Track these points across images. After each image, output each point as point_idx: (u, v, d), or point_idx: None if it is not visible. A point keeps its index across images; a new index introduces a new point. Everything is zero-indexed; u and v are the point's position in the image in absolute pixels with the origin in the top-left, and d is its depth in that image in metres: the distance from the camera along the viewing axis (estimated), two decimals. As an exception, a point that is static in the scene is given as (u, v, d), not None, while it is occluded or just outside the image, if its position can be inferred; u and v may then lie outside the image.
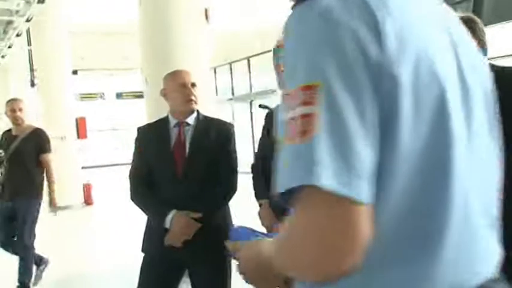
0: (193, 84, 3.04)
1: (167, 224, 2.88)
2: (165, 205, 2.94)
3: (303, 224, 0.80)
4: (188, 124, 3.07)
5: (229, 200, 3.08)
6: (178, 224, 2.87)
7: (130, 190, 3.10)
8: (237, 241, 1.40)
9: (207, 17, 5.59)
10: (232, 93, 18.64)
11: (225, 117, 7.76)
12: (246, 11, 17.00)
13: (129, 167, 3.16)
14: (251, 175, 3.34)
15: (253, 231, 1.47)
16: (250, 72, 15.08)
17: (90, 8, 18.36)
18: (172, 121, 3.09)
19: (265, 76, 15.35)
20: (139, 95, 19.08)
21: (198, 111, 3.13)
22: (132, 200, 3.10)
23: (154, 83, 5.26)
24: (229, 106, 18.86)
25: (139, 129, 3.25)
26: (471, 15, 2.36)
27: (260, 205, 3.06)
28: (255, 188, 3.22)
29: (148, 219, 3.12)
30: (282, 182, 0.80)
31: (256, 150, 3.32)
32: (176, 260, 2.96)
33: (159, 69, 5.24)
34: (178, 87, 3.02)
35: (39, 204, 5.46)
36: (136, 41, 5.90)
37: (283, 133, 0.83)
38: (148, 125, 3.36)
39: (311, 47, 0.82)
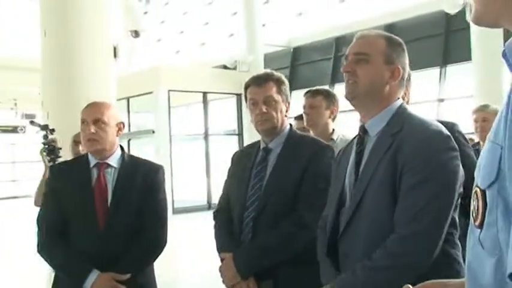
0: (97, 121, 2.61)
1: None
2: (85, 263, 2.50)
3: None
4: (110, 166, 2.68)
5: (156, 257, 2.71)
6: None
7: (39, 240, 2.63)
8: None
9: (115, 55, 5.48)
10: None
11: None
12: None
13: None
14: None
15: None
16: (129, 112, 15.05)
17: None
18: (92, 161, 2.68)
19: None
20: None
21: (122, 149, 2.76)
22: (40, 252, 2.61)
23: (57, 118, 5.06)
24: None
25: (53, 167, 2.87)
26: None
27: (222, 260, 2.56)
28: (216, 239, 2.69)
29: (58, 277, 2.66)
30: None
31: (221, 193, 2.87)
32: None
33: (63, 105, 5.03)
34: (81, 124, 2.65)
35: None
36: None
37: None
38: (65, 163, 2.92)
39: None
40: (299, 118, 3.84)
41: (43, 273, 3.48)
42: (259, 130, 2.59)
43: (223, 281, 2.54)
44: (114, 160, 2.70)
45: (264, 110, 2.52)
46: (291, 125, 2.68)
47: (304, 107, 3.44)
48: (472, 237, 0.93)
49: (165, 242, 2.72)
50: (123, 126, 2.77)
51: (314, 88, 3.59)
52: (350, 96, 1.93)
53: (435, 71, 12.15)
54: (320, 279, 2.06)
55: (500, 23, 0.90)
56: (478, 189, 0.88)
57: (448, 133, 1.84)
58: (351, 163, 1.98)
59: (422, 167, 1.74)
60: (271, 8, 17.45)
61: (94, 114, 2.63)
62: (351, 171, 1.96)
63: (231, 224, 2.61)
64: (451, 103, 11.94)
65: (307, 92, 3.53)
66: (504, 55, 0.91)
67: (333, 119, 3.46)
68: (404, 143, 1.80)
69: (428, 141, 1.80)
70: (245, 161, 2.67)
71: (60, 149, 4.01)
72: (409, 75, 2.57)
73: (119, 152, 2.74)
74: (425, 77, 11.66)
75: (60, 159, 3.89)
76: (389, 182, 1.78)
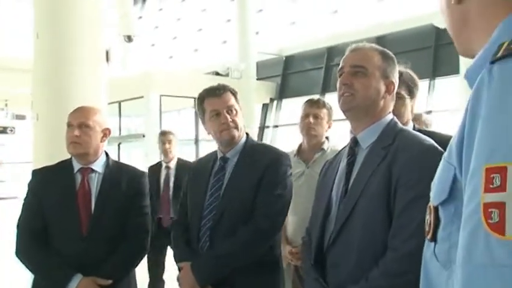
0: (82, 125, 2.59)
1: None
2: (67, 268, 2.46)
3: None
4: (94, 171, 2.66)
5: (139, 262, 2.71)
6: None
7: (18, 244, 2.57)
8: None
9: (107, 59, 5.43)
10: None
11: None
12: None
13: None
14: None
15: None
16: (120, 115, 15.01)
17: None
18: (76, 166, 2.66)
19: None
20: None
21: (107, 155, 2.74)
22: (19, 256, 2.55)
23: (47, 120, 4.99)
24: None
25: (35, 172, 2.77)
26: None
27: (180, 269, 2.55)
28: (174, 249, 2.71)
29: (36, 281, 2.58)
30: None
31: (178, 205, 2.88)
32: None
33: (53, 107, 4.97)
34: (67, 127, 2.63)
35: None
36: None
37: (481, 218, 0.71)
38: (47, 168, 2.79)
39: None
40: None
41: (24, 276, 3.41)
42: (224, 140, 2.57)
43: None
44: (98, 165, 2.68)
45: (230, 118, 2.52)
46: (247, 134, 2.68)
47: (306, 116, 3.41)
48: (428, 249, 0.97)
49: (148, 247, 2.70)
50: (109, 132, 2.75)
51: (317, 98, 3.59)
52: (346, 108, 1.92)
53: (424, 83, 12.22)
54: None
55: (477, 51, 0.91)
56: (431, 205, 0.92)
57: (441, 149, 1.81)
58: (341, 174, 1.96)
59: (417, 182, 1.71)
60: (265, 16, 17.50)
61: (79, 118, 2.62)
62: (340, 182, 1.94)
63: (188, 234, 2.60)
64: (439, 115, 12.00)
65: (311, 101, 3.51)
66: (466, 77, 0.94)
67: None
68: (399, 155, 1.79)
69: (423, 156, 1.78)
70: (203, 171, 2.66)
71: None
72: (417, 86, 2.57)
73: (103, 157, 2.72)
74: (414, 89, 11.70)
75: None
76: (383, 193, 1.76)
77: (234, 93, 2.61)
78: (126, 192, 2.66)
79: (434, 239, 0.90)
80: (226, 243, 2.41)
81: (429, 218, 0.92)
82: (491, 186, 0.70)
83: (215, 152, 2.69)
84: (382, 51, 1.97)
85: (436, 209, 0.90)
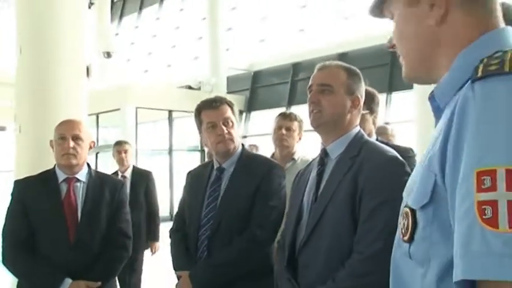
0: (75, 137, 2.58)
1: None
2: (57, 272, 2.41)
3: None
4: (79, 180, 2.62)
5: (123, 265, 2.67)
6: None
7: (4, 251, 2.51)
8: None
9: (88, 73, 5.38)
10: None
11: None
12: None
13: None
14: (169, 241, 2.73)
15: None
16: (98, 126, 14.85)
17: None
18: (61, 175, 2.62)
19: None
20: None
21: (89, 165, 2.72)
22: (7, 264, 2.49)
23: (29, 131, 4.91)
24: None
25: (17, 182, 2.70)
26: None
27: (179, 277, 2.48)
28: (173, 257, 2.58)
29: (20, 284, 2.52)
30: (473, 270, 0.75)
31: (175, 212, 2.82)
32: None
33: (35, 120, 4.88)
34: (58, 139, 2.60)
35: None
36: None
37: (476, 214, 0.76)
38: (31, 178, 2.74)
39: None
40: None
41: (7, 283, 3.33)
42: (219, 151, 2.51)
43: None
44: (82, 175, 2.65)
45: (226, 131, 2.47)
46: (243, 145, 2.64)
47: (279, 128, 3.43)
48: (399, 250, 1.00)
49: (130, 250, 2.70)
50: (94, 144, 2.75)
51: (289, 112, 3.63)
52: (315, 124, 1.94)
53: (382, 96, 12.36)
54: None
55: (442, 74, 0.98)
56: (408, 209, 0.95)
57: (402, 160, 1.86)
58: (311, 182, 1.98)
59: (380, 190, 1.74)
60: (234, 34, 17.53)
61: (73, 130, 2.60)
62: (311, 190, 1.96)
63: (186, 243, 2.53)
64: (395, 126, 12.19)
65: (284, 115, 3.55)
66: (431, 98, 1.00)
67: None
68: (364, 166, 1.81)
69: (385, 166, 1.82)
70: (199, 181, 2.60)
71: None
72: (377, 101, 2.63)
73: (86, 167, 2.69)
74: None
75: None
76: (349, 201, 1.79)
77: (231, 106, 2.57)
78: (109, 201, 2.65)
79: (411, 239, 0.93)
80: (223, 252, 2.37)
81: (406, 221, 0.95)
82: (482, 187, 0.75)
83: (211, 162, 2.64)
84: (347, 68, 1.99)
85: (413, 212, 0.93)
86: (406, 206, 0.96)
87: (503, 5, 1.46)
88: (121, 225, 2.69)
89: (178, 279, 2.47)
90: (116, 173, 5.27)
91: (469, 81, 0.84)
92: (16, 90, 5.11)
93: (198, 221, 2.47)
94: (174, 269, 2.53)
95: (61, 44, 4.95)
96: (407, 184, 1.02)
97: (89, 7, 8.10)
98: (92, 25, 13.87)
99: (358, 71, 2.02)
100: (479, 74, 0.82)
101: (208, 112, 2.52)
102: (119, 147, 5.34)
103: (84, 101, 5.32)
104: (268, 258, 2.52)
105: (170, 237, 2.68)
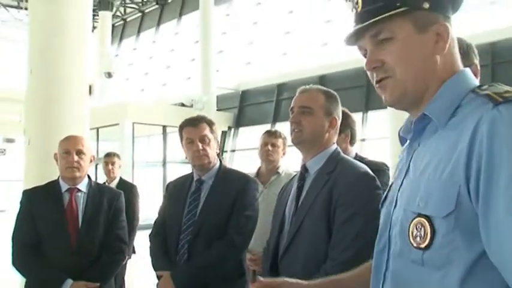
0: (79, 152, 2.63)
1: None
2: (59, 273, 2.46)
3: None
4: (80, 191, 2.67)
5: (120, 267, 2.73)
6: None
7: (14, 253, 2.54)
8: None
9: (90, 92, 5.45)
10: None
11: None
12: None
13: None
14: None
15: None
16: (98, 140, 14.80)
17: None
18: (64, 186, 2.66)
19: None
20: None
21: (89, 177, 2.76)
22: (16, 264, 2.53)
23: (37, 144, 4.96)
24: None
25: (26, 192, 2.74)
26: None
27: (159, 277, 2.45)
28: (153, 257, 2.57)
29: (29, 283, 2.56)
30: None
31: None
32: None
33: (43, 134, 4.94)
34: (62, 153, 2.64)
35: None
36: None
37: None
38: (38, 188, 2.78)
39: None
40: None
41: (16, 282, 3.36)
42: (195, 165, 2.57)
43: None
44: (83, 186, 2.69)
45: (201, 147, 2.51)
46: (220, 160, 2.67)
47: (265, 144, 3.49)
48: (403, 259, 0.98)
49: (126, 254, 2.78)
50: (94, 158, 2.79)
51: (274, 130, 3.68)
52: (296, 142, 1.98)
53: (359, 115, 12.49)
54: None
55: (425, 99, 1.03)
56: (424, 218, 0.92)
57: (373, 174, 1.91)
58: (292, 195, 2.01)
59: (352, 203, 1.79)
60: (224, 56, 17.62)
61: (77, 145, 2.64)
62: (292, 202, 1.99)
63: (165, 246, 2.55)
64: (371, 143, 12.30)
65: (269, 132, 3.60)
66: (419, 119, 1.03)
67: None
68: (338, 181, 1.85)
69: (358, 181, 1.86)
70: (180, 190, 2.64)
71: None
72: (349, 121, 2.68)
73: (86, 178, 2.73)
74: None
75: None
76: (325, 213, 1.83)
77: (210, 124, 2.60)
78: (107, 209, 2.69)
79: (428, 247, 0.91)
80: (203, 255, 2.40)
81: (421, 230, 0.93)
82: None
83: (191, 174, 2.68)
84: (326, 91, 2.02)
85: (430, 221, 0.91)
86: (419, 216, 0.94)
87: (461, 41, 1.53)
88: (118, 232, 2.73)
89: (158, 278, 2.48)
90: (104, 183, 5.07)
91: (490, 105, 0.88)
92: (26, 106, 5.17)
93: (179, 227, 2.49)
94: (154, 269, 2.54)
95: (67, 67, 5.03)
96: (410, 197, 0.98)
97: (92, 31, 8.18)
98: (94, 47, 13.93)
99: (335, 94, 2.06)
100: (500, 99, 0.88)
101: (188, 129, 2.56)
102: (107, 158, 5.19)
103: (86, 116, 5.38)
104: (242, 262, 2.59)
105: (150, 240, 2.68)
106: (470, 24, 11.13)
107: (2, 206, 15.82)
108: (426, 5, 1.00)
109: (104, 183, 4.97)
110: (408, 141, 1.10)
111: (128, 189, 4.86)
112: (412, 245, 0.94)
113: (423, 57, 1.00)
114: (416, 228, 0.94)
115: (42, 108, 5.02)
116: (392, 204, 1.06)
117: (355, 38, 1.08)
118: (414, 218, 0.94)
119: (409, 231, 0.95)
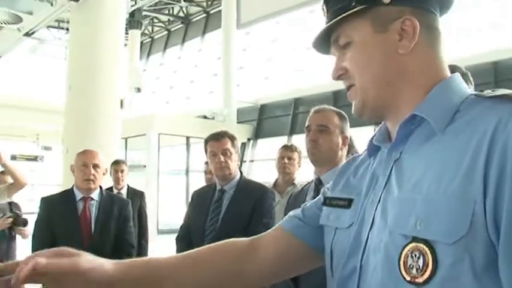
0: (95, 165, 2.75)
1: None
2: None
3: None
4: (92, 199, 2.78)
5: None
6: None
7: (33, 252, 2.70)
8: None
9: (121, 105, 5.68)
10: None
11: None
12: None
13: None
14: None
15: None
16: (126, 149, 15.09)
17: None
18: (78, 195, 2.78)
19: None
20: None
21: (101, 187, 2.86)
22: None
23: (75, 153, 5.18)
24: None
25: (43, 199, 2.85)
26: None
27: None
28: None
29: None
30: None
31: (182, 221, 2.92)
32: None
33: (80, 143, 5.18)
34: (80, 166, 2.75)
35: None
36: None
37: None
38: (55, 196, 2.89)
39: None
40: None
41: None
42: (217, 176, 2.67)
43: None
44: (95, 195, 2.81)
45: (223, 159, 2.61)
46: (241, 172, 2.76)
47: (282, 158, 3.58)
48: None
49: (133, 256, 2.84)
50: (106, 171, 2.92)
51: (291, 144, 3.78)
52: (313, 160, 2.05)
53: (370, 129, 12.42)
54: None
55: (401, 105, 0.85)
56: (422, 244, 0.69)
57: None
58: None
59: None
60: (244, 72, 17.77)
61: (93, 159, 2.77)
62: None
63: (191, 248, 2.65)
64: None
65: (286, 146, 3.69)
66: (410, 121, 0.82)
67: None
68: None
69: None
70: (204, 198, 2.74)
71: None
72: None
73: (98, 188, 2.85)
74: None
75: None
76: None
77: (232, 139, 2.68)
78: (117, 216, 2.80)
79: (427, 281, 0.68)
80: None
81: (421, 259, 0.69)
82: None
83: (214, 184, 2.77)
84: (338, 112, 2.09)
85: (430, 246, 0.69)
86: (415, 241, 0.70)
87: (457, 68, 1.59)
88: (127, 237, 2.84)
89: None
90: (111, 189, 4.73)
91: (510, 105, 0.71)
92: (65, 118, 5.41)
93: (202, 232, 2.59)
94: None
95: (102, 83, 5.28)
96: (400, 216, 0.74)
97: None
98: (124, 63, 14.28)
99: (345, 114, 2.09)
100: None
101: (212, 143, 2.66)
102: (117, 166, 4.78)
103: (118, 127, 5.60)
104: None
105: (177, 243, 2.79)
106: (474, 45, 11.25)
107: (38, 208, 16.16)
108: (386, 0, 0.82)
109: (111, 188, 4.75)
110: (386, 150, 0.87)
111: (138, 196, 4.84)
112: (404, 278, 0.70)
113: (383, 59, 0.83)
114: (412, 257, 0.70)
115: (79, 121, 5.26)
116: (368, 224, 0.82)
117: (326, 46, 0.94)
118: (408, 244, 0.71)
119: (399, 261, 0.72)
